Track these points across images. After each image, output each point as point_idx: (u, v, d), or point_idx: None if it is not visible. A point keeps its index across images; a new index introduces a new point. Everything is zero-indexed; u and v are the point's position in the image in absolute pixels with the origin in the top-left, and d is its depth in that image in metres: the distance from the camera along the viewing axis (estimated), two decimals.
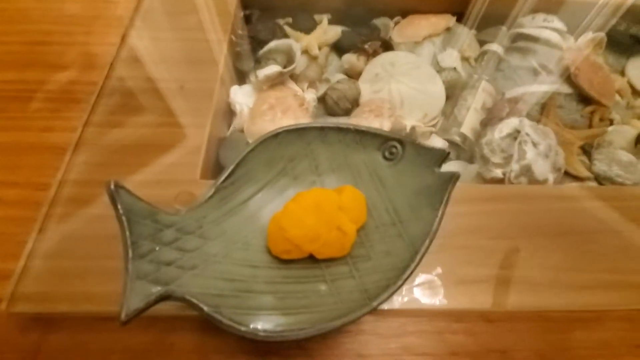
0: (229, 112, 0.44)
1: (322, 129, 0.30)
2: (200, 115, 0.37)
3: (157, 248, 0.22)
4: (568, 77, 0.45)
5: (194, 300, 0.21)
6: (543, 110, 0.43)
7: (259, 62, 0.46)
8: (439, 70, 0.48)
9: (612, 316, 0.28)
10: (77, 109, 0.38)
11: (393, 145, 0.29)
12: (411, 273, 0.24)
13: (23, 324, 0.27)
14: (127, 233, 0.21)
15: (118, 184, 0.22)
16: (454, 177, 0.26)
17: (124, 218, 0.21)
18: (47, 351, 0.26)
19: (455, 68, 0.48)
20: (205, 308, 0.21)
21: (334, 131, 0.30)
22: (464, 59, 0.50)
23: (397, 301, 0.27)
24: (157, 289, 0.21)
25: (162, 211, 0.24)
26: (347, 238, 0.25)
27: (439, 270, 0.29)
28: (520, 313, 0.28)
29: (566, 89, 0.44)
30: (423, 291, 0.28)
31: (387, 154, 0.29)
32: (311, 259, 0.26)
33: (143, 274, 0.21)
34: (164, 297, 0.21)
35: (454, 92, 0.47)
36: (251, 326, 0.21)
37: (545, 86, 0.44)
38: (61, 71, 0.41)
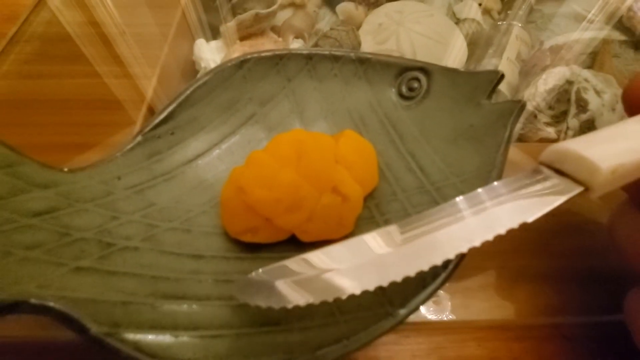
0: (194, 73, 0.35)
1: (309, 57, 0.20)
2: (145, 65, 0.27)
3: (13, 219, 0.13)
4: (620, 22, 0.36)
5: (70, 313, 0.11)
6: (594, 61, 0.34)
7: (233, 14, 0.37)
8: (457, 22, 0.39)
9: None
10: None
11: (414, 77, 0.20)
12: (459, 261, 0.14)
13: None
14: None
15: None
16: (518, 107, 0.16)
17: None
18: None
19: (475, 20, 0.39)
20: (92, 327, 0.11)
21: (327, 60, 0.20)
22: (486, 11, 0.41)
23: (428, 311, 0.17)
24: None
25: (35, 162, 0.14)
26: (350, 207, 0.15)
27: (486, 262, 0.19)
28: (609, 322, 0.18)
29: (618, 35, 0.35)
30: (467, 295, 0.18)
31: (404, 90, 0.20)
32: (293, 243, 0.16)
33: None
34: (5, 307, 0.11)
35: (476, 48, 0.38)
36: (174, 357, 0.11)
37: (592, 32, 0.35)
38: None
